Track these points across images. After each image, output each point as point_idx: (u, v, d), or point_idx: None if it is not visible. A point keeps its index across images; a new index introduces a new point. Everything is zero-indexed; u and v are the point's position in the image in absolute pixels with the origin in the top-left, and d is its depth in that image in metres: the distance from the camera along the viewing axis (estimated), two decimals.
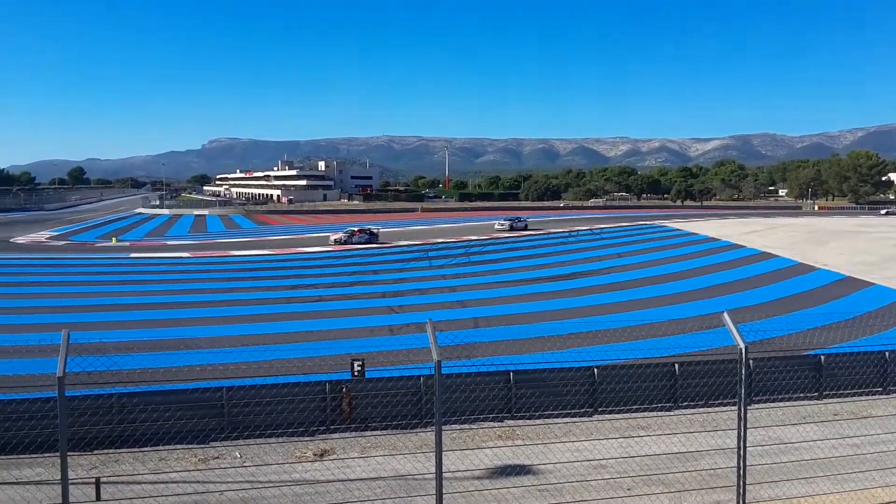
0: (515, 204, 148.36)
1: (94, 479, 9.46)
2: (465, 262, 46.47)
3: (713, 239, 60.55)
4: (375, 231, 63.50)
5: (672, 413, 15.92)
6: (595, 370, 15.78)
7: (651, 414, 15.56)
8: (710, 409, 15.32)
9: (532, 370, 16.09)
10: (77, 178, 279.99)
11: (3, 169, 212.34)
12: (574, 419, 15.03)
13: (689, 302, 31.55)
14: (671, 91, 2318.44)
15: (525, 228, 75.63)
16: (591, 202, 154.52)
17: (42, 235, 70.02)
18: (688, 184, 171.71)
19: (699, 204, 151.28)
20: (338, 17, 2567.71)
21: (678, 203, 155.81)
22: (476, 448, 13.18)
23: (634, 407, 15.51)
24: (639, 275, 40.50)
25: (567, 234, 67.87)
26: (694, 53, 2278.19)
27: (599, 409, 15.50)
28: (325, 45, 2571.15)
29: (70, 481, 7.49)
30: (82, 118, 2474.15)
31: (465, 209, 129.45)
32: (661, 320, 25.50)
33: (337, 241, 59.72)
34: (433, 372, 8.33)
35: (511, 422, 15.03)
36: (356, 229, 62.91)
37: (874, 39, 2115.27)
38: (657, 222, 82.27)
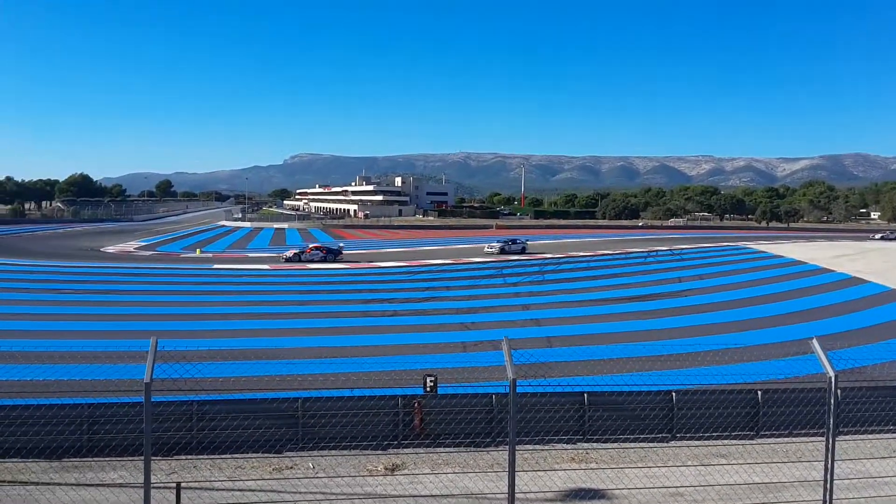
0: (591, 222, 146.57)
1: (174, 484, 9.73)
2: (540, 281, 46.04)
3: (800, 262, 58.00)
4: (336, 248, 60.39)
5: (754, 442, 15.25)
6: (673, 394, 15.28)
7: (731, 442, 14.94)
8: (793, 440, 14.61)
9: (607, 392, 15.71)
10: (165, 190, 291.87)
11: (96, 181, 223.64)
12: (650, 444, 14.57)
13: (773, 327, 30.24)
14: (758, 108, 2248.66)
15: (522, 251, 67.54)
16: (671, 222, 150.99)
17: (130, 245, 73.46)
18: (774, 204, 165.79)
19: (785, 226, 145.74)
20: (417, 33, 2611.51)
21: (763, 224, 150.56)
22: (548, 470, 12.93)
23: (714, 434, 14.92)
24: (720, 298, 39.15)
25: (646, 254, 66.42)
26: (783, 70, 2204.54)
27: (677, 435, 14.97)
28: (404, 62, 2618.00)
29: (151, 485, 7.73)
30: (172, 133, 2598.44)
31: (540, 227, 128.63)
32: (744, 345, 24.56)
33: (287, 259, 56.80)
34: (507, 390, 8.25)
35: (584, 444, 14.69)
36: (311, 246, 59.81)
37: None
38: (740, 244, 79.51)
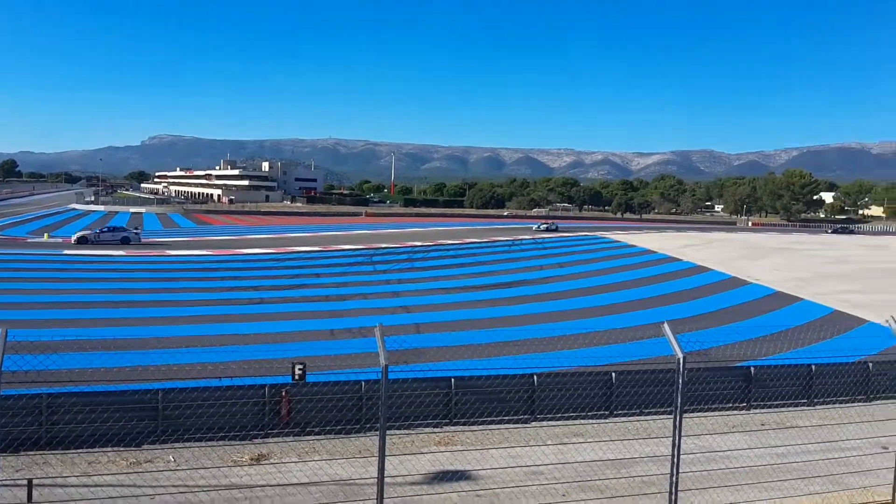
0: (459, 211, 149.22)
1: (26, 481, 9.14)
2: (409, 268, 46.47)
3: (651, 251, 62.03)
4: (137, 231, 58.05)
5: (608, 421, 16.28)
6: (534, 377, 16.01)
7: (587, 421, 15.87)
8: (644, 418, 15.72)
9: (472, 377, 16.23)
10: (8, 171, 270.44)
11: None
12: (512, 426, 15.22)
13: (625, 312, 32.27)
14: (615, 105, 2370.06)
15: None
16: (535, 212, 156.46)
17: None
18: (628, 196, 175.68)
19: (638, 217, 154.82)
20: (290, 16, 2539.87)
21: (618, 215, 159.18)
22: (415, 453, 13.21)
23: (571, 414, 15.78)
24: (579, 284, 41.23)
25: (510, 242, 68.56)
26: (639, 71, 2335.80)
27: (538, 416, 15.73)
28: (273, 44, 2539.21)
29: (0, 482, 7.25)
30: (15, 108, 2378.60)
31: (410, 215, 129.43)
32: (599, 330, 26.03)
33: (76, 241, 53.63)
34: (377, 377, 8.35)
35: (451, 428, 15.12)
36: (107, 228, 57.61)
37: (811, 62, 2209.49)
38: (597, 234, 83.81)
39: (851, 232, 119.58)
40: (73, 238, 54.84)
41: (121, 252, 49.83)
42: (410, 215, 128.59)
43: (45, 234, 63.05)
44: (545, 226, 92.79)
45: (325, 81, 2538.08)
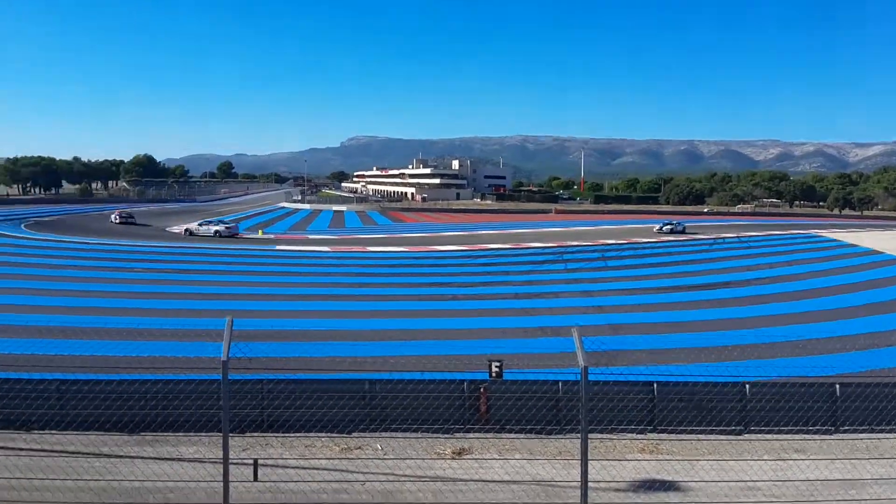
0: (654, 208, 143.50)
1: (251, 461, 9.94)
2: (602, 267, 45.41)
3: (876, 252, 55.65)
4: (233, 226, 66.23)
5: (832, 437, 14.73)
6: (746, 386, 14.84)
7: (809, 437, 14.45)
8: (874, 436, 14.06)
9: (677, 382, 15.36)
10: (226, 171, 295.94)
11: (160, 162, 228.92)
12: (722, 437, 14.21)
13: (849, 319, 29.14)
14: (828, 91, 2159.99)
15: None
16: (738, 208, 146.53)
17: (193, 226, 75.43)
18: (846, 191, 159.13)
19: (859, 213, 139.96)
20: (472, 15, 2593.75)
21: (835, 212, 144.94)
22: (618, 459, 12.75)
23: (789, 428, 14.44)
24: (792, 287, 37.89)
25: (712, 240, 64.79)
26: (855, 51, 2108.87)
27: (751, 428, 14.56)
28: (461, 43, 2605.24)
29: (230, 461, 7.90)
30: (233, 115, 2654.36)
31: (601, 212, 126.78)
32: (819, 337, 23.74)
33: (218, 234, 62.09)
34: (574, 378, 8.12)
35: (654, 435, 14.43)
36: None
37: None
38: (812, 231, 76.78)
39: None
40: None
41: (325, 248, 53.55)
42: (602, 212, 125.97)
43: (259, 231, 69.51)
44: (669, 226, 76.15)
45: (512, 79, 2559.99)
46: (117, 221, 74.32)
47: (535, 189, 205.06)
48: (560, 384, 14.38)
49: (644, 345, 23.13)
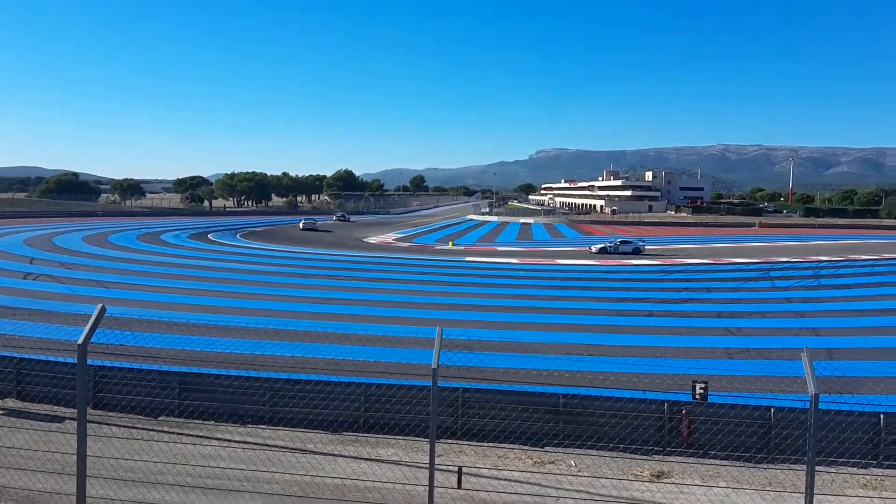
0: (875, 222, 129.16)
1: (456, 468, 10.12)
2: (816, 286, 41.54)
3: None
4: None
5: None
6: None
7: None
8: None
9: None
10: (418, 185, 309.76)
11: (358, 176, 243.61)
12: None
13: None
14: None
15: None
16: None
17: (388, 237, 79.35)
18: None
19: None
20: (664, 21, 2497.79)
21: None
22: (836, 495, 11.59)
23: None
24: None
25: None
26: None
27: None
28: (653, 50, 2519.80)
29: (436, 467, 8.06)
30: (425, 131, 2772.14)
31: (812, 226, 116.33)
32: None
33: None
34: (789, 404, 7.40)
35: (878, 470, 12.90)
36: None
37: None
38: None
39: None
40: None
41: (513, 260, 53.86)
42: (812, 226, 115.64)
43: (450, 243, 71.82)
44: (616, 245, 62.98)
45: (712, 85, 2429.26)
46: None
47: (735, 201, 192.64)
48: (771, 410, 13.32)
49: (866, 372, 20.76)
